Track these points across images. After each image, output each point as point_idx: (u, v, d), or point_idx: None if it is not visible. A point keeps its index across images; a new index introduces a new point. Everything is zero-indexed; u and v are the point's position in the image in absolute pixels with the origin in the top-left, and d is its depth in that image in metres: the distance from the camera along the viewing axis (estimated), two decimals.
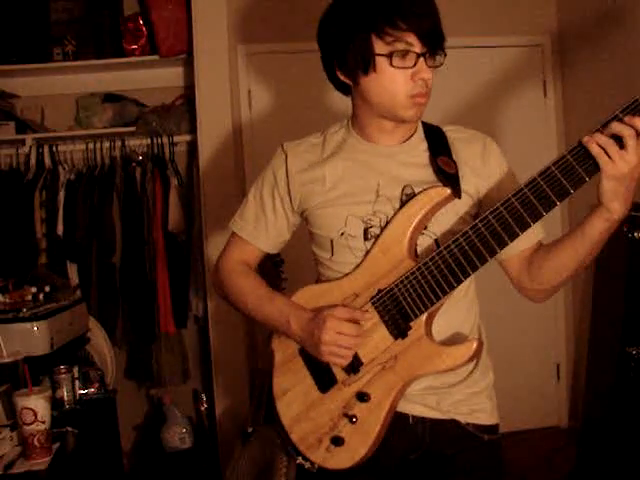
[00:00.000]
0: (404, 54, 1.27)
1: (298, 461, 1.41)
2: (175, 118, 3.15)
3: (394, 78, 1.29)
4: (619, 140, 1.13)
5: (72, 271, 3.06)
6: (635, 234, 2.56)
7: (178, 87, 3.29)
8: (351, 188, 1.38)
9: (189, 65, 3.06)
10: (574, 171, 1.17)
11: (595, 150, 1.14)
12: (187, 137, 3.16)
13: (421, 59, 1.28)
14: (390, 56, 1.27)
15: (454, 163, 1.37)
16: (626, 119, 1.13)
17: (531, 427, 3.60)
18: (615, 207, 1.17)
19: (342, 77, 1.36)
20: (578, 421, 3.34)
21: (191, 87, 3.04)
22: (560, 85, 3.56)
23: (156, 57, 3.09)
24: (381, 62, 1.28)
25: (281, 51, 3.28)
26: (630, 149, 1.13)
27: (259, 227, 1.48)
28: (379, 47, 1.27)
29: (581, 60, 3.35)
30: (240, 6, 3.22)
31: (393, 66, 1.27)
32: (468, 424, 1.40)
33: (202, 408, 2.99)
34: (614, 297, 2.87)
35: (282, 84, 3.33)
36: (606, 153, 1.14)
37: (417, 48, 1.27)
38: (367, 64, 1.29)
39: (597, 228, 1.21)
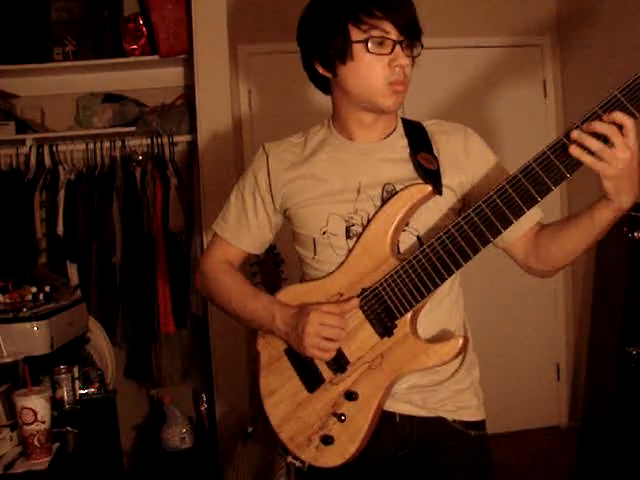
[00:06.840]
0: (381, 41, 1.28)
1: (288, 460, 1.42)
2: (175, 118, 3.15)
3: (371, 65, 1.29)
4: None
5: (72, 271, 3.05)
6: (635, 234, 2.56)
7: (178, 87, 3.29)
8: (332, 187, 1.38)
9: (189, 65, 3.06)
10: (554, 168, 1.15)
11: (588, 160, 1.12)
12: (187, 137, 3.16)
13: (398, 47, 1.29)
14: (366, 42, 1.28)
15: (435, 159, 1.36)
16: (605, 117, 1.10)
17: (531, 427, 3.61)
18: (622, 199, 1.16)
19: (321, 70, 1.37)
20: (578, 421, 3.34)
21: (191, 87, 3.04)
22: (560, 85, 3.56)
23: (156, 57, 3.08)
24: (358, 49, 1.29)
25: (281, 51, 3.27)
26: (619, 146, 1.10)
27: (241, 228, 1.48)
28: (356, 35, 1.29)
29: (581, 60, 3.35)
30: (240, 6, 3.21)
31: (370, 52, 1.28)
32: (454, 421, 1.41)
33: (202, 408, 2.98)
34: (614, 297, 2.87)
35: (282, 84, 3.33)
36: (599, 157, 1.11)
37: (393, 35, 1.28)
38: (345, 52, 1.30)
39: (606, 218, 1.20)
